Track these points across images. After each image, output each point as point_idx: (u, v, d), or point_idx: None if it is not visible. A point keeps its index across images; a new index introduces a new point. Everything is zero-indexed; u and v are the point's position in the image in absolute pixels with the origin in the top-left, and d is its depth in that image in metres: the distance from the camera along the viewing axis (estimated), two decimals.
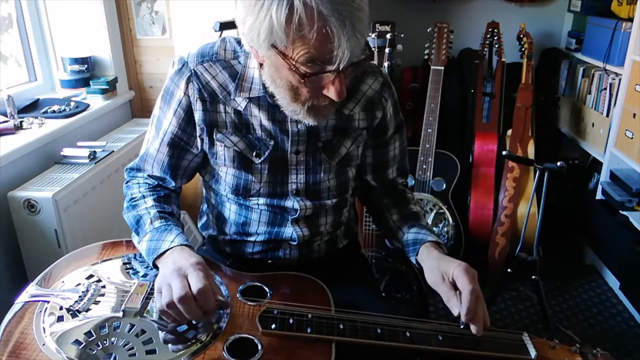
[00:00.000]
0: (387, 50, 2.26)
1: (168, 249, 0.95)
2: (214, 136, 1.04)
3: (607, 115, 2.40)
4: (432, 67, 2.44)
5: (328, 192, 1.12)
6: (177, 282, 0.85)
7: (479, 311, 0.91)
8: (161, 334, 0.88)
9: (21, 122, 1.87)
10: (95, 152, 1.92)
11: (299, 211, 1.09)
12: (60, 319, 0.89)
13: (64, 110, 2.03)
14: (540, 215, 1.91)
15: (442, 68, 2.43)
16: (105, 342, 0.85)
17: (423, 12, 2.85)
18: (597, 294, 2.42)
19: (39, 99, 2.12)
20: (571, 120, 2.78)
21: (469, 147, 2.56)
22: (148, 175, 1.11)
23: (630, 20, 2.21)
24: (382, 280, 2.01)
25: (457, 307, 0.91)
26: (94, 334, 0.87)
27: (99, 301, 0.94)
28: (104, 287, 0.98)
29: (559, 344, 0.94)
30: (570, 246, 2.73)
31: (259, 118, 1.02)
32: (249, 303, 0.96)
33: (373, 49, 2.27)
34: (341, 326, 0.90)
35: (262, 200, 1.09)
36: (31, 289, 0.96)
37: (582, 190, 2.69)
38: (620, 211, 2.18)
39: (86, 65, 2.28)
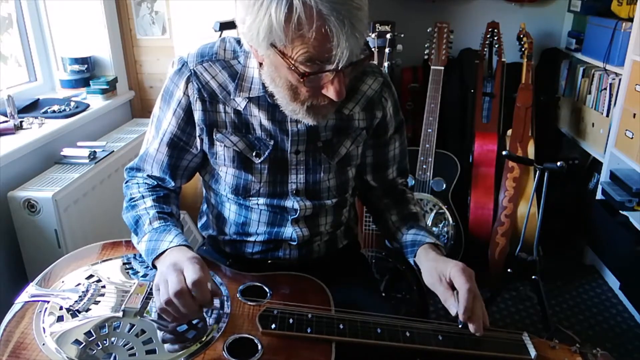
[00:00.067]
0: (387, 50, 2.26)
1: (167, 249, 0.95)
2: (214, 136, 1.04)
3: (607, 115, 2.40)
4: (432, 67, 2.44)
5: (328, 192, 1.12)
6: (173, 276, 0.85)
7: (476, 310, 0.91)
8: (161, 334, 0.88)
9: (21, 122, 1.87)
10: (95, 152, 1.92)
11: (298, 211, 1.09)
12: (60, 319, 0.90)
13: (64, 110, 2.03)
14: (540, 215, 1.91)
15: (442, 68, 2.43)
16: (105, 342, 0.85)
17: (423, 12, 2.85)
18: (597, 294, 2.42)
19: (39, 99, 2.12)
20: (571, 120, 2.78)
21: (469, 147, 2.56)
22: (147, 175, 1.11)
23: (630, 20, 2.21)
24: (382, 280, 2.01)
25: (455, 306, 0.92)
26: (93, 333, 0.87)
27: (99, 301, 0.94)
28: (104, 287, 0.98)
29: (559, 344, 0.94)
30: (570, 246, 2.73)
31: (258, 118, 1.02)
32: (249, 303, 0.96)
33: (373, 49, 2.27)
34: (341, 326, 0.90)
35: (262, 200, 1.09)
36: (31, 289, 0.96)
37: (582, 190, 2.68)
38: (620, 211, 2.18)
39: (86, 65, 2.28)
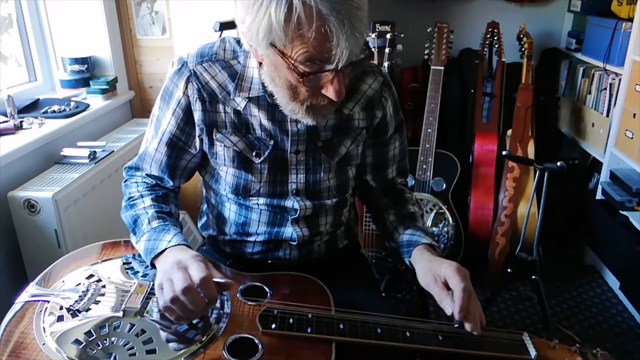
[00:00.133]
0: (387, 50, 2.26)
1: (166, 249, 0.95)
2: (214, 136, 1.04)
3: (607, 115, 2.40)
4: (432, 67, 2.44)
5: (328, 192, 1.12)
6: (178, 275, 0.85)
7: (472, 309, 0.91)
8: (161, 334, 0.88)
9: (21, 122, 1.87)
10: (95, 152, 1.92)
11: (299, 211, 1.09)
12: (60, 318, 0.90)
13: (64, 110, 2.03)
14: (540, 215, 1.91)
15: (442, 68, 2.43)
16: (105, 341, 0.85)
17: (423, 12, 2.85)
18: (597, 294, 2.42)
19: (39, 99, 2.12)
20: (571, 120, 2.78)
21: (469, 147, 2.56)
22: (146, 175, 1.11)
23: (630, 20, 2.21)
24: (382, 280, 2.01)
25: (450, 306, 0.92)
26: (94, 333, 0.87)
27: (99, 301, 0.94)
28: (104, 286, 0.98)
29: (559, 344, 0.94)
30: (570, 246, 2.73)
31: (258, 118, 1.02)
32: (249, 303, 0.96)
33: (373, 49, 2.27)
34: (341, 326, 0.90)
35: (262, 200, 1.09)
36: (31, 289, 0.96)
37: (582, 190, 2.68)
38: (620, 211, 2.18)
39: (86, 65, 2.28)
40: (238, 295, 0.98)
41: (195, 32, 2.33)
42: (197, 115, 1.02)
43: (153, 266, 0.96)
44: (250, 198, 1.09)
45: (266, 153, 1.04)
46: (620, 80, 2.26)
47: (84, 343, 0.85)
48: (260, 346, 0.86)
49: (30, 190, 1.65)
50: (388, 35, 2.26)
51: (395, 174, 1.23)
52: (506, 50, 2.61)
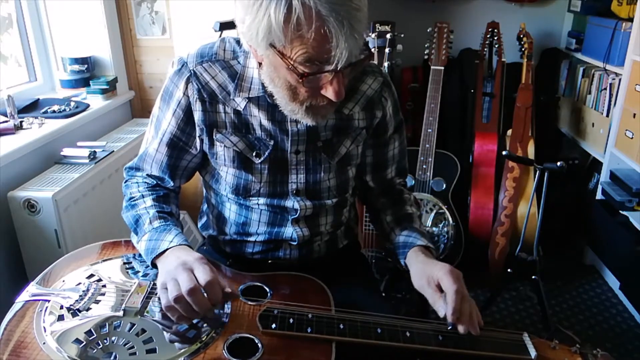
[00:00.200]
0: (387, 50, 2.26)
1: (167, 249, 0.95)
2: (214, 136, 1.04)
3: (607, 115, 2.40)
4: (432, 67, 2.44)
5: (328, 192, 1.12)
6: (184, 275, 0.85)
7: (465, 311, 0.91)
8: (162, 333, 0.88)
9: (21, 122, 1.87)
10: (95, 152, 1.92)
11: (299, 211, 1.09)
12: (60, 318, 0.90)
13: (64, 110, 2.03)
14: (540, 215, 1.91)
15: (442, 68, 2.43)
16: (105, 341, 0.85)
17: (423, 12, 2.85)
18: (597, 294, 2.42)
19: (39, 99, 2.12)
20: (571, 120, 2.78)
21: (469, 147, 2.56)
22: (147, 175, 1.11)
23: (630, 20, 2.21)
24: (382, 280, 2.01)
25: (443, 308, 0.92)
26: (94, 333, 0.87)
27: (100, 300, 0.94)
28: (104, 286, 0.98)
29: (559, 344, 0.94)
30: (570, 246, 2.73)
31: (258, 118, 1.02)
32: (249, 303, 0.96)
33: (373, 49, 2.27)
34: (341, 326, 0.90)
35: (262, 200, 1.09)
36: (32, 288, 0.96)
37: (582, 190, 2.69)
38: (620, 211, 2.18)
39: (86, 65, 2.28)
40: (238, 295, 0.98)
41: (195, 32, 2.33)
42: (197, 115, 1.02)
43: (154, 266, 0.96)
44: (251, 198, 1.09)
45: (266, 153, 1.04)
46: (620, 80, 2.26)
47: (84, 342, 0.85)
48: (260, 346, 0.86)
49: (30, 190, 1.65)
50: (388, 35, 2.26)
51: (394, 174, 1.23)
52: (506, 50, 2.61)
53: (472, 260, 2.35)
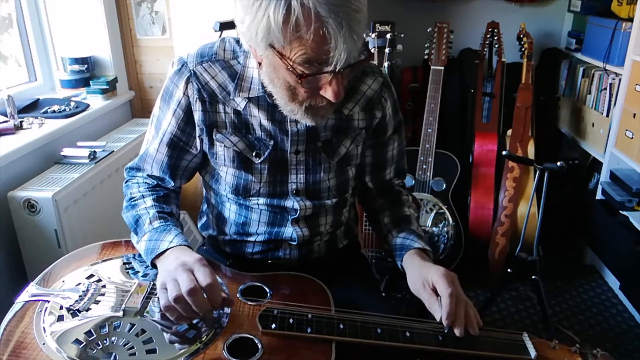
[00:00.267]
0: (387, 50, 2.26)
1: (167, 249, 0.95)
2: (214, 136, 1.04)
3: (607, 115, 2.40)
4: (432, 67, 2.44)
5: (328, 192, 1.12)
6: (184, 276, 0.85)
7: (459, 313, 0.92)
8: (161, 334, 0.88)
9: (21, 122, 1.87)
10: (95, 152, 1.92)
11: (299, 211, 1.09)
12: (60, 318, 0.90)
13: (64, 110, 2.03)
14: (540, 215, 1.91)
15: (442, 68, 2.43)
16: (105, 341, 0.85)
17: (423, 12, 2.85)
18: (597, 294, 2.42)
19: (39, 99, 2.12)
20: (571, 120, 2.78)
21: (469, 147, 2.56)
22: (147, 175, 1.11)
23: (630, 20, 2.21)
24: (382, 280, 2.01)
25: (439, 312, 0.92)
26: (94, 333, 0.87)
27: (99, 301, 0.94)
28: (104, 286, 0.98)
29: (559, 344, 0.94)
30: (570, 246, 2.73)
31: (258, 118, 1.02)
32: (249, 303, 0.96)
33: (373, 49, 2.27)
34: (341, 326, 0.90)
35: (262, 200, 1.09)
36: (31, 289, 0.96)
37: (582, 190, 2.68)
38: (620, 211, 2.18)
39: (86, 65, 2.28)
40: (238, 295, 0.98)
41: (195, 32, 2.33)
42: (197, 115, 1.02)
43: (154, 266, 0.96)
44: (250, 198, 1.09)
45: (266, 153, 1.04)
46: (620, 80, 2.26)
47: (84, 343, 0.85)
48: (260, 346, 0.86)
49: (30, 190, 1.65)
50: (388, 36, 2.26)
51: (392, 175, 1.23)
52: (506, 50, 2.61)
53: (472, 260, 2.35)
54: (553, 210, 2.45)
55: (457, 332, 0.91)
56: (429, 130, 2.36)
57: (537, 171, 1.86)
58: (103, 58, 2.35)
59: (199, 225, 1.27)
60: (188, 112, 1.03)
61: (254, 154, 1.04)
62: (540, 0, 2.88)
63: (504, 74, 2.61)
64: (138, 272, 1.03)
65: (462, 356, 0.91)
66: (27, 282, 0.98)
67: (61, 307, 0.92)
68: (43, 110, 2.00)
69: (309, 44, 0.80)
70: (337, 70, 0.82)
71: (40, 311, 0.91)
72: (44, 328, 0.87)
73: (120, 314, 0.91)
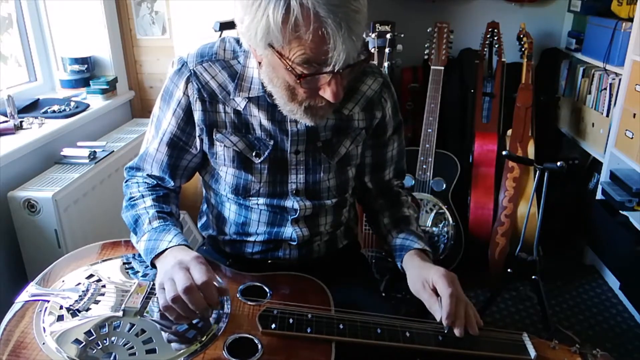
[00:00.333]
0: (387, 50, 2.26)
1: (166, 249, 0.95)
2: (214, 136, 1.04)
3: (607, 115, 2.40)
4: (432, 67, 2.44)
5: (328, 192, 1.12)
6: (180, 274, 0.85)
7: (459, 314, 0.92)
8: (161, 334, 0.88)
9: (21, 122, 1.87)
10: (95, 152, 1.92)
11: (298, 211, 1.09)
12: (60, 318, 0.90)
13: (64, 110, 2.03)
14: (540, 215, 1.91)
15: (442, 68, 2.43)
16: (105, 341, 0.85)
17: (423, 12, 2.85)
18: (597, 294, 2.42)
19: (39, 99, 2.12)
20: (571, 120, 2.78)
21: (469, 147, 2.56)
22: (147, 175, 1.11)
23: (630, 20, 2.21)
24: (382, 280, 2.01)
25: (439, 312, 0.92)
26: (94, 333, 0.87)
27: (99, 301, 0.94)
28: (104, 286, 0.98)
29: (559, 345, 0.94)
30: (570, 246, 2.73)
31: (258, 118, 1.02)
32: (249, 303, 0.96)
33: (373, 49, 2.27)
34: (341, 326, 0.90)
35: (261, 200, 1.09)
36: (31, 289, 0.96)
37: (582, 190, 2.68)
38: (620, 211, 2.18)
39: (86, 65, 2.28)
40: (238, 295, 0.98)
41: (195, 32, 2.33)
42: (197, 115, 1.02)
43: (153, 266, 0.97)
44: (250, 198, 1.09)
45: (266, 153, 1.04)
46: (620, 80, 2.26)
47: (84, 343, 0.85)
48: (260, 346, 0.86)
49: (30, 190, 1.65)
50: (388, 36, 2.26)
51: (392, 175, 1.23)
52: (506, 50, 2.61)
53: (472, 260, 2.35)
54: (553, 210, 2.45)
55: (457, 332, 0.91)
56: (429, 130, 2.36)
57: (537, 171, 1.86)
58: (103, 58, 2.35)
59: (199, 225, 1.27)
60: (188, 111, 1.03)
61: (253, 153, 1.04)
62: (540, 0, 2.88)
63: (504, 74, 2.61)
64: (138, 272, 1.03)
65: (462, 356, 0.91)
66: (27, 282, 0.98)
67: (61, 307, 0.92)
68: (43, 110, 2.00)
69: (307, 44, 0.80)
70: (335, 70, 0.82)
71: (40, 311, 0.91)
72: (43, 328, 0.87)
73: (120, 313, 0.91)
